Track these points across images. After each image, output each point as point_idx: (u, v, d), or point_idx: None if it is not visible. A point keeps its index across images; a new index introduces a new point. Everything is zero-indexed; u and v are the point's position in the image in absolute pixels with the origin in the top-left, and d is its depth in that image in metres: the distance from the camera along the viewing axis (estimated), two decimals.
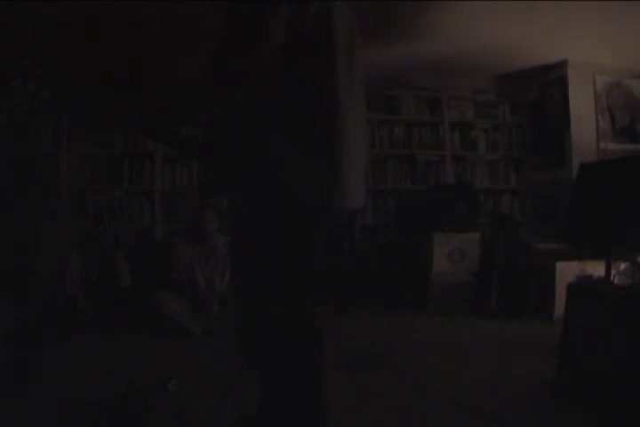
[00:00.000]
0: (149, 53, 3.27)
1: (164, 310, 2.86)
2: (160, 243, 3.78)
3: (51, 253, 3.02)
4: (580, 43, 3.36)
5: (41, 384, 1.99)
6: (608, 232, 1.99)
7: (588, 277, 2.95)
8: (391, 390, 1.97)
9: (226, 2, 1.13)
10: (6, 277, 2.51)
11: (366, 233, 4.09)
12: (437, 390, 1.93)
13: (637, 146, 3.83)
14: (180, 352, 2.49)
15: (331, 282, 3.24)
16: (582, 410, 1.72)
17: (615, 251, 2.21)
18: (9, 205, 2.81)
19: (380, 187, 4.17)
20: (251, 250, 1.22)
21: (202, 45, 1.82)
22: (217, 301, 3.00)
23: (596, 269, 2.70)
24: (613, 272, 2.13)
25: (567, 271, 3.05)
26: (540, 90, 4.11)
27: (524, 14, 2.87)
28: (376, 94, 4.11)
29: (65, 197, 3.72)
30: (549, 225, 3.95)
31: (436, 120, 4.31)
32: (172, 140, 1.28)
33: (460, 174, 4.33)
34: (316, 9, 1.12)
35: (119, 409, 1.66)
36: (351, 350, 2.35)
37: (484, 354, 2.45)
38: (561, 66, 3.79)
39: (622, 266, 2.49)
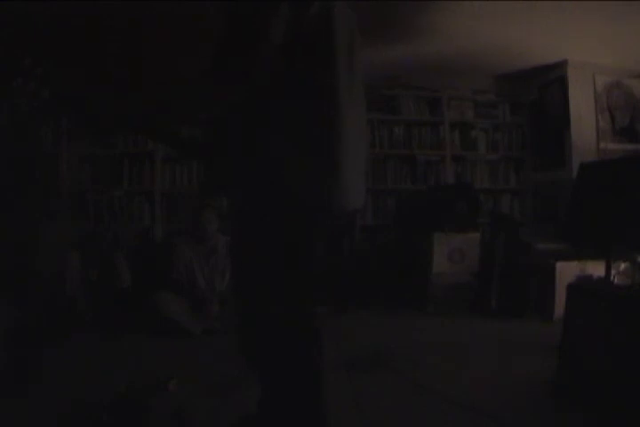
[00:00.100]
0: (149, 53, 3.27)
1: (164, 310, 2.86)
2: (160, 243, 3.78)
3: (51, 253, 3.02)
4: (580, 43, 3.36)
5: (41, 384, 1.98)
6: (608, 232, 1.99)
7: (588, 277, 2.95)
8: (391, 390, 1.97)
9: (226, 2, 1.13)
10: (6, 277, 2.51)
11: (366, 233, 4.09)
12: (437, 390, 1.93)
13: (637, 146, 3.82)
14: (180, 352, 2.49)
15: (331, 282, 3.24)
16: (582, 410, 1.72)
17: (615, 251, 2.21)
18: (9, 205, 2.81)
19: (379, 187, 4.17)
20: (251, 250, 1.22)
21: (202, 45, 1.82)
22: (217, 301, 3.00)
23: (596, 269, 2.70)
24: (613, 272, 2.13)
25: (567, 271, 3.05)
26: (540, 90, 4.11)
27: (524, 14, 2.87)
28: (376, 94, 4.11)
29: (65, 197, 3.72)
30: (549, 225, 3.94)
31: (436, 120, 4.31)
32: (172, 140, 1.28)
33: (459, 174, 4.33)
34: (316, 9, 1.12)
35: (119, 409, 1.66)
36: (351, 350, 2.35)
37: (484, 354, 2.45)
38: (561, 66, 3.79)
39: (622, 266, 2.49)
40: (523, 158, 4.40)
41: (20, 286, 2.55)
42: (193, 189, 3.90)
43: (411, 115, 4.29)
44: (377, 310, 3.51)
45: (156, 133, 1.31)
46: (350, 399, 1.80)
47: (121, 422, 1.62)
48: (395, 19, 2.99)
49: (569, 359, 1.93)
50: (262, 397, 1.32)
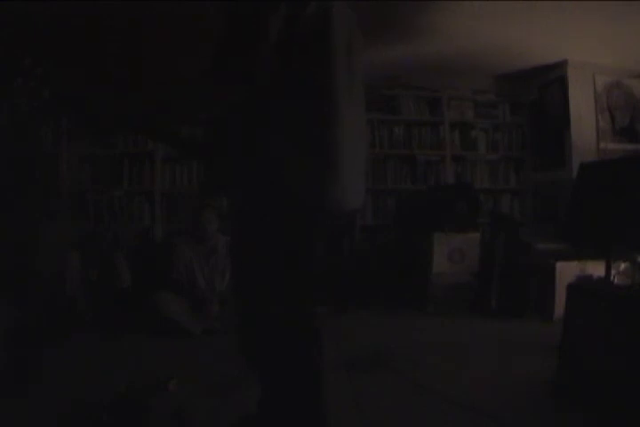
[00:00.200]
0: (149, 53, 3.27)
1: (164, 310, 2.86)
2: (160, 243, 3.78)
3: (51, 253, 3.02)
4: (580, 43, 3.36)
5: (41, 384, 1.98)
6: (608, 232, 1.99)
7: (588, 277, 2.95)
8: (391, 390, 1.97)
9: (226, 2, 1.13)
10: (6, 277, 2.51)
11: (366, 233, 4.09)
12: (437, 390, 1.93)
13: (637, 146, 3.82)
14: (180, 352, 2.49)
15: (331, 282, 3.24)
16: (582, 410, 1.72)
17: (615, 251, 2.21)
18: (9, 205, 2.81)
19: (380, 187, 4.16)
20: (251, 250, 1.22)
21: (202, 45, 1.82)
22: (217, 301, 3.00)
23: (596, 269, 2.70)
24: (613, 272, 2.13)
25: (567, 271, 3.05)
26: (540, 90, 4.11)
27: (524, 14, 2.87)
28: (376, 94, 4.11)
29: (65, 197, 3.72)
30: (549, 225, 3.94)
31: (436, 120, 4.31)
32: (172, 140, 1.28)
33: (460, 174, 4.32)
34: (313, 9, 1.12)
35: (119, 409, 1.66)
36: (351, 350, 2.35)
37: (484, 354, 2.45)
38: (561, 66, 3.79)
39: (622, 266, 2.49)
40: (523, 158, 4.40)
41: (19, 285, 2.55)
42: (193, 189, 3.90)
43: (411, 115, 4.29)
44: (377, 310, 3.51)
45: (156, 133, 1.31)
46: (350, 399, 1.80)
47: (121, 422, 1.62)
48: (395, 19, 2.99)
49: (569, 359, 1.92)
50: (262, 397, 1.32)
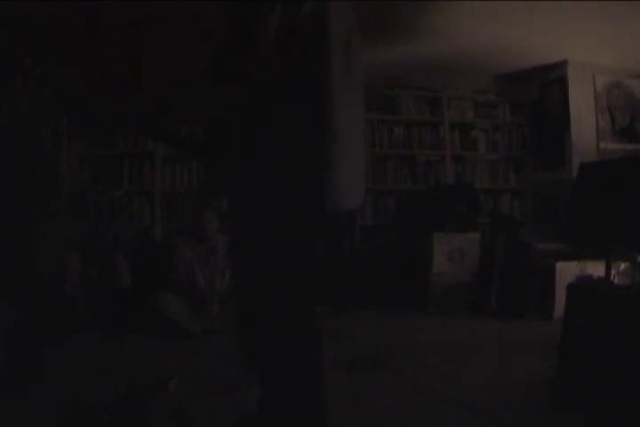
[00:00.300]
0: (149, 53, 3.27)
1: (164, 310, 2.86)
2: (160, 243, 3.78)
3: (51, 253, 3.02)
4: (580, 43, 3.36)
5: (41, 384, 1.98)
6: (608, 232, 1.99)
7: (588, 277, 2.95)
8: (391, 390, 1.97)
9: (226, 2, 1.13)
10: (6, 277, 2.51)
11: (366, 233, 4.09)
12: (437, 390, 1.93)
13: (637, 146, 3.82)
14: (180, 352, 2.49)
15: (331, 282, 3.24)
16: (582, 410, 1.72)
17: (615, 251, 2.21)
18: (9, 205, 2.81)
19: (380, 187, 4.17)
20: (251, 250, 1.22)
21: (202, 45, 1.82)
22: (217, 301, 3.00)
23: (596, 269, 2.70)
24: (613, 272, 2.13)
25: (567, 271, 3.06)
26: (540, 90, 4.11)
27: (524, 14, 2.87)
28: (376, 94, 4.11)
29: (65, 197, 3.72)
30: (549, 225, 3.95)
31: (436, 120, 4.31)
32: (172, 140, 1.28)
33: (460, 174, 4.33)
34: (309, 9, 1.12)
35: (119, 409, 1.66)
36: (351, 350, 2.35)
37: (484, 354, 2.45)
38: (561, 66, 3.79)
39: (622, 266, 2.49)
40: (523, 158, 4.40)
41: (20, 285, 2.55)
42: (193, 189, 3.90)
43: (411, 115, 4.29)
44: (377, 310, 3.51)
45: (156, 133, 1.31)
46: (350, 399, 1.80)
47: (121, 422, 1.62)
48: (395, 19, 2.99)
49: (569, 359, 1.92)
50: (262, 397, 1.32)
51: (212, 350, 2.51)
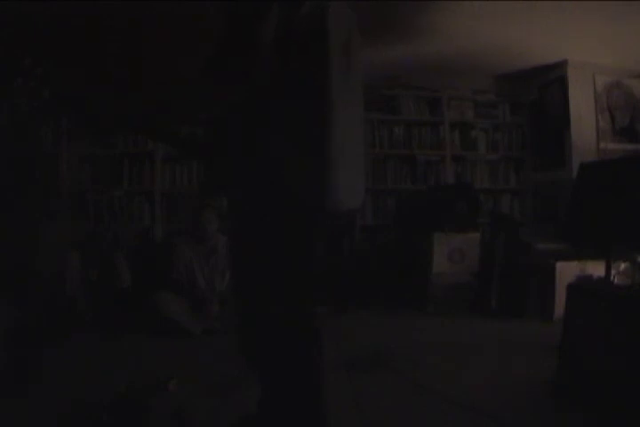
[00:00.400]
0: (149, 53, 3.27)
1: (164, 310, 2.86)
2: (160, 243, 3.78)
3: (51, 253, 3.02)
4: (580, 43, 3.36)
5: (41, 384, 1.98)
6: (608, 232, 1.99)
7: (588, 277, 2.95)
8: (391, 390, 1.97)
9: (226, 2, 1.13)
10: (6, 277, 2.51)
11: (366, 233, 4.09)
12: (437, 390, 1.93)
13: (637, 146, 3.82)
14: (180, 352, 2.49)
15: (331, 282, 3.24)
16: (582, 410, 1.72)
17: (615, 251, 2.21)
18: (9, 205, 2.81)
19: (380, 187, 4.17)
20: (250, 250, 1.22)
21: (202, 45, 1.82)
22: (217, 301, 3.00)
23: (596, 269, 2.70)
24: (613, 272, 2.12)
25: (567, 271, 3.05)
26: (540, 90, 4.11)
27: (524, 14, 2.87)
28: (376, 94, 4.11)
29: (65, 197, 3.72)
30: (549, 225, 3.94)
31: (436, 120, 4.31)
32: (172, 140, 1.28)
33: (460, 174, 4.33)
34: (307, 9, 1.12)
35: (119, 409, 1.66)
36: (351, 350, 2.35)
37: (483, 354, 2.45)
38: (561, 66, 3.79)
39: (622, 266, 2.49)
40: (523, 158, 4.40)
41: (20, 285, 2.55)
42: (193, 189, 3.90)
43: (411, 115, 4.29)
44: (377, 310, 3.51)
45: (156, 133, 1.31)
46: (350, 399, 1.80)
47: (121, 422, 1.62)
48: (395, 19, 2.99)
49: (569, 359, 1.92)
50: (262, 397, 1.32)
51: (211, 350, 2.51)
